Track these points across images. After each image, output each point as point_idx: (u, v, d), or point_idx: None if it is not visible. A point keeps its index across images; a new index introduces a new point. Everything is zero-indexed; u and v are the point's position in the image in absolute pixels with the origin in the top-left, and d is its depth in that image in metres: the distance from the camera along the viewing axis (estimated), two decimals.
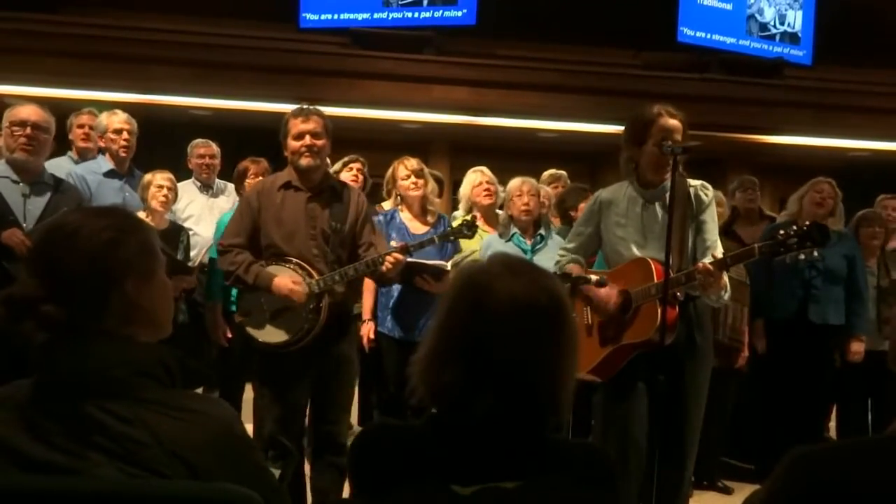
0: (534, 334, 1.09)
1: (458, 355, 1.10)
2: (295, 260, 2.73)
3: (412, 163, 3.59)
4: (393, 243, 3.01)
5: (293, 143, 2.72)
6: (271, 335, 2.76)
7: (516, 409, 1.08)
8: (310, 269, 2.72)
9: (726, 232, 3.79)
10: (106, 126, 3.85)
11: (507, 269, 1.13)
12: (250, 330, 2.80)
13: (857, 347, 3.77)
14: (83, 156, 4.05)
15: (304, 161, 2.70)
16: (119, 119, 3.86)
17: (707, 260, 2.39)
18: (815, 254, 2.39)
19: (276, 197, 2.76)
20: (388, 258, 2.72)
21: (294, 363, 2.74)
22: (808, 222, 2.38)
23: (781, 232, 2.32)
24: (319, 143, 2.71)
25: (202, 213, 4.20)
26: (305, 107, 2.78)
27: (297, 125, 2.71)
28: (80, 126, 4.09)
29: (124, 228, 1.13)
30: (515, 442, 1.09)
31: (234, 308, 3.70)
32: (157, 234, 1.22)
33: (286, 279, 2.69)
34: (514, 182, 3.68)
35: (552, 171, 4.64)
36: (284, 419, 2.74)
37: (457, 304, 1.13)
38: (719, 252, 2.51)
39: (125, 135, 3.82)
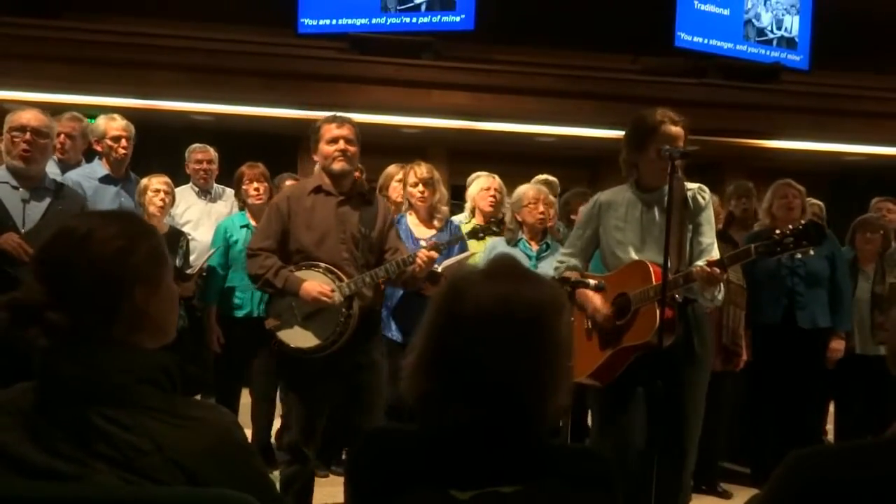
0: (500, 341, 1.07)
1: (434, 363, 1.10)
2: (324, 265, 2.74)
3: (422, 170, 3.56)
4: (422, 243, 3.02)
5: (326, 148, 2.78)
6: (303, 340, 2.76)
7: (492, 417, 1.07)
8: (339, 273, 2.74)
9: (722, 235, 3.81)
10: (104, 131, 3.78)
11: (487, 276, 1.13)
12: (281, 335, 2.80)
13: (838, 345, 3.78)
14: (64, 164, 3.98)
15: (338, 165, 2.77)
16: (118, 125, 3.79)
17: (703, 262, 2.40)
18: (812, 252, 2.39)
19: (306, 201, 2.80)
20: (420, 255, 2.74)
21: (321, 370, 2.74)
22: (803, 221, 2.38)
23: (777, 231, 2.32)
24: (352, 149, 2.79)
25: (200, 218, 4.20)
26: (338, 114, 2.86)
27: (331, 130, 2.78)
28: (57, 135, 3.89)
29: (135, 235, 1.12)
30: (513, 447, 1.09)
31: (237, 313, 3.71)
32: (164, 240, 1.22)
33: (314, 284, 2.71)
34: (529, 190, 3.67)
35: (544, 176, 4.59)
36: (309, 428, 2.74)
37: (435, 309, 1.14)
38: (715, 254, 2.52)
39: (123, 142, 3.76)
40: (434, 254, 2.79)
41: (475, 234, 3.00)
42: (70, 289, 1.07)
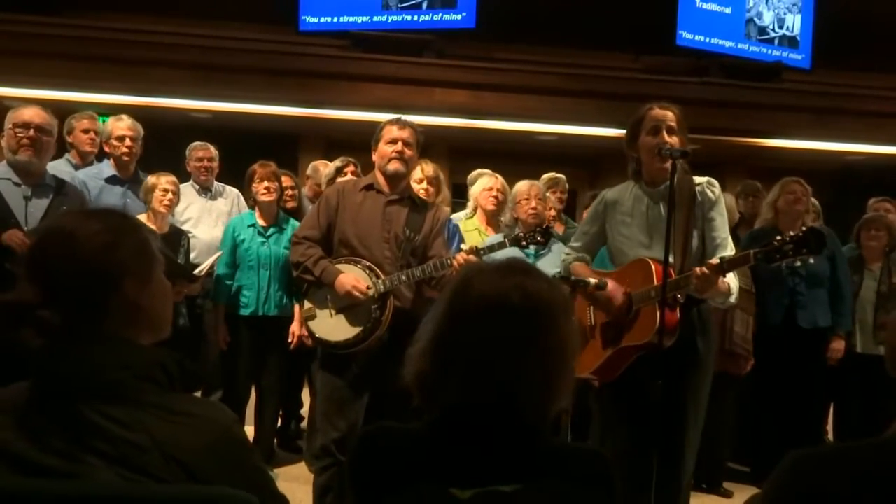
0: (498, 329, 1.09)
1: (435, 345, 1.13)
2: (365, 262, 2.77)
3: (429, 168, 3.57)
4: (463, 247, 3.02)
5: (385, 148, 2.83)
6: (333, 332, 2.76)
7: (482, 403, 1.08)
8: (379, 271, 2.76)
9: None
10: (110, 132, 3.86)
11: (497, 268, 1.15)
12: (312, 325, 2.82)
13: (838, 345, 3.80)
14: (85, 159, 4.06)
15: (393, 166, 2.82)
16: (123, 125, 3.86)
17: (715, 261, 2.39)
18: (812, 260, 2.38)
19: (357, 196, 2.85)
20: (458, 259, 2.74)
21: (358, 371, 2.73)
22: (804, 228, 2.37)
23: (778, 238, 2.30)
24: (409, 151, 2.84)
25: (201, 216, 4.20)
26: (402, 117, 2.91)
27: (392, 131, 2.85)
28: (85, 131, 4.08)
29: (120, 230, 1.13)
30: (513, 445, 1.09)
31: (242, 311, 3.70)
32: (153, 235, 1.22)
33: (350, 277, 2.73)
34: (522, 186, 3.67)
35: (551, 174, 4.62)
36: (344, 430, 2.70)
37: (446, 295, 1.16)
38: (730, 250, 2.50)
39: (128, 142, 3.82)
40: (473, 258, 2.75)
41: (517, 241, 2.95)
42: (60, 286, 1.08)
